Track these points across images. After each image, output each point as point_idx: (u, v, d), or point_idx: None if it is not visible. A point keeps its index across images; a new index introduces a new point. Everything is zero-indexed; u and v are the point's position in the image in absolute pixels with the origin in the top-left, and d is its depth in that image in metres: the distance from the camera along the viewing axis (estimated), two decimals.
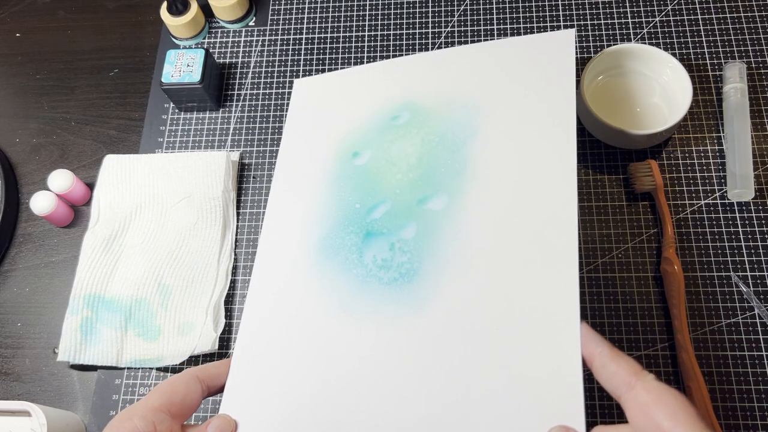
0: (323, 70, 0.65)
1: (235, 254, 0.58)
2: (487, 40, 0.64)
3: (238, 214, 0.59)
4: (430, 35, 0.65)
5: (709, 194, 0.55)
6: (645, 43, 0.58)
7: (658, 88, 0.58)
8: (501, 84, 0.52)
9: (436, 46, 0.65)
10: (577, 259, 0.41)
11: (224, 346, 0.54)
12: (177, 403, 0.42)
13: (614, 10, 0.64)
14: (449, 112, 0.53)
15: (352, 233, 0.50)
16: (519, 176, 0.46)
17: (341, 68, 0.65)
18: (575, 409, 0.37)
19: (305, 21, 0.68)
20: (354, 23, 0.67)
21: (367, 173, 0.53)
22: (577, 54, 0.62)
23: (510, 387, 0.39)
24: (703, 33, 0.62)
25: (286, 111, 0.61)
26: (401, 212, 0.49)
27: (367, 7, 0.68)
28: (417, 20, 0.66)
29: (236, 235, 0.59)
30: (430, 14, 0.66)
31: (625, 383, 0.35)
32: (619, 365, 0.36)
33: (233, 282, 0.57)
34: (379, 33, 0.66)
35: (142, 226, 0.58)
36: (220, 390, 0.46)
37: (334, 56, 0.65)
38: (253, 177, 0.61)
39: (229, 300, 0.56)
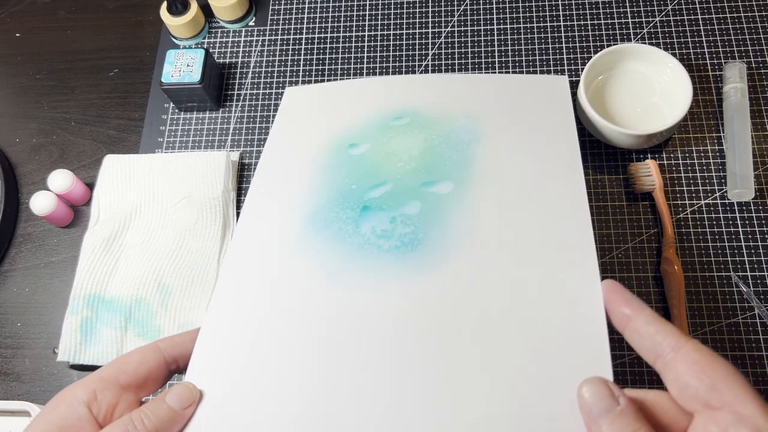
0: (323, 71, 0.65)
1: None
2: (487, 40, 0.64)
3: (238, 214, 0.59)
4: (430, 35, 0.65)
5: (709, 194, 0.55)
6: (645, 43, 0.58)
7: (658, 88, 0.58)
8: (500, 107, 0.52)
9: (436, 46, 0.65)
10: (592, 236, 0.40)
11: None
12: (128, 372, 0.38)
13: (614, 10, 0.64)
14: (452, 118, 0.52)
15: (348, 208, 0.46)
16: (527, 174, 0.45)
17: (341, 68, 0.65)
18: (602, 365, 0.35)
19: (305, 21, 0.68)
20: (354, 23, 0.67)
21: (365, 161, 0.50)
22: (577, 54, 0.62)
23: (527, 350, 0.37)
24: (703, 33, 0.62)
25: None
26: (403, 192, 0.46)
27: (367, 7, 0.68)
28: (417, 20, 0.66)
29: None
30: (430, 14, 0.66)
31: (672, 344, 0.32)
32: (665, 326, 0.33)
33: None
34: (379, 33, 0.66)
35: (142, 226, 0.58)
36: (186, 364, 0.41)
37: (334, 56, 0.65)
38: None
39: None
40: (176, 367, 0.41)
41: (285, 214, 0.47)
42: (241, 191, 0.60)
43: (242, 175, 0.61)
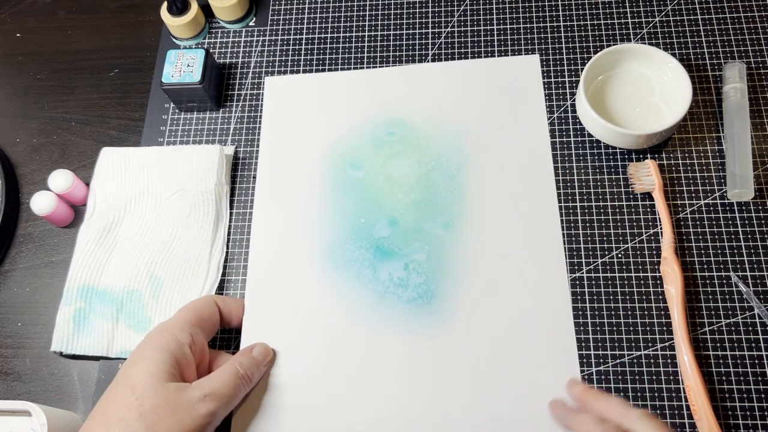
0: (323, 71, 0.65)
1: (229, 249, 0.58)
2: (487, 40, 0.64)
3: (234, 212, 0.59)
4: (430, 35, 0.65)
5: (709, 194, 0.55)
6: (645, 43, 0.58)
7: (658, 88, 0.58)
8: (479, 104, 0.59)
9: (436, 46, 0.65)
10: (564, 265, 0.52)
11: (213, 340, 0.54)
12: (205, 319, 0.47)
13: (614, 10, 0.64)
14: (440, 134, 0.58)
15: (362, 248, 0.54)
16: (508, 198, 0.54)
17: (341, 69, 0.65)
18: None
19: (305, 21, 0.68)
20: (354, 23, 0.67)
21: (367, 188, 0.57)
22: (577, 54, 0.62)
23: (523, 390, 0.47)
24: (703, 33, 0.62)
25: None
26: (409, 232, 0.54)
27: (367, 7, 0.68)
28: (417, 20, 0.66)
29: (231, 231, 0.59)
30: (430, 14, 0.66)
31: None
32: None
33: (227, 281, 0.57)
34: (379, 33, 0.66)
35: (136, 218, 0.59)
36: (230, 325, 0.51)
37: (334, 56, 0.66)
38: (253, 177, 0.61)
39: (219, 293, 0.56)
40: (222, 323, 0.50)
41: (302, 242, 0.55)
42: (240, 190, 0.60)
43: (242, 174, 0.61)
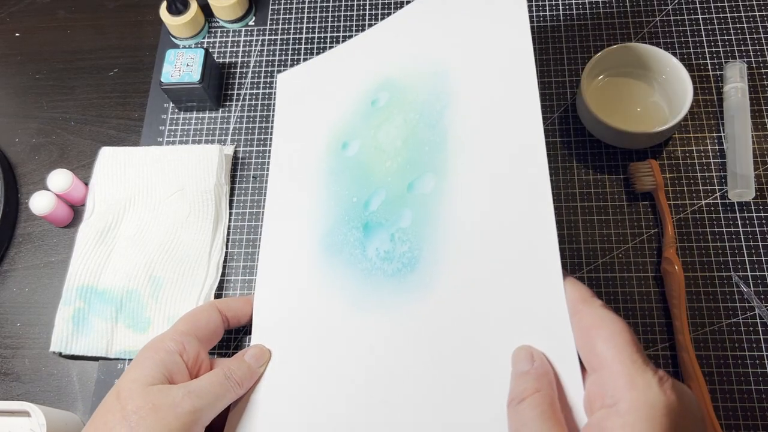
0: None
1: (228, 249, 0.58)
2: None
3: (234, 212, 0.59)
4: None
5: (710, 194, 0.55)
6: (645, 43, 0.58)
7: (658, 88, 0.58)
8: (462, 39, 0.51)
9: None
10: (553, 222, 0.39)
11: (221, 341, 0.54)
12: (201, 327, 0.46)
13: (614, 10, 0.64)
14: (422, 83, 0.52)
15: (353, 228, 0.50)
16: (492, 146, 0.45)
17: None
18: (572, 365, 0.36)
19: (305, 21, 0.68)
20: (354, 23, 0.67)
21: (359, 164, 0.53)
22: (577, 54, 0.62)
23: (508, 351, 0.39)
24: (703, 33, 0.62)
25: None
26: (395, 200, 0.49)
27: (367, 7, 0.68)
28: None
29: (231, 231, 0.58)
30: None
31: (572, 309, 0.35)
32: (568, 291, 0.36)
33: (227, 281, 0.57)
34: None
35: (135, 218, 0.58)
36: (240, 325, 0.51)
37: None
38: (253, 177, 0.61)
39: (219, 294, 0.56)
40: (228, 325, 0.49)
41: (302, 233, 0.53)
42: (241, 190, 0.60)
43: (242, 174, 0.61)
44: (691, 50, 0.61)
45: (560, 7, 0.65)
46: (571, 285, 0.36)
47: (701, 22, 0.62)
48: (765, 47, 0.60)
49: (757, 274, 0.52)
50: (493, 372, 0.39)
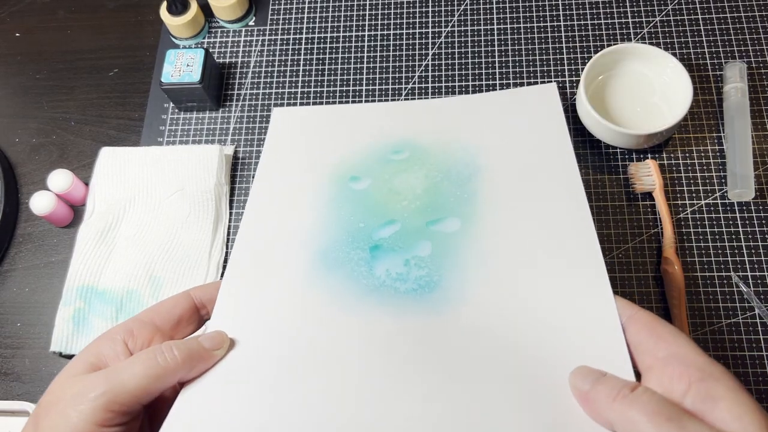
0: (323, 71, 0.65)
1: (228, 249, 0.57)
2: (487, 40, 0.64)
3: (233, 212, 0.59)
4: (430, 35, 0.65)
5: (710, 194, 0.55)
6: (645, 43, 0.58)
7: (658, 88, 0.58)
8: (495, 130, 0.52)
9: (436, 46, 0.64)
10: (603, 262, 0.40)
11: None
12: (162, 313, 0.42)
13: (614, 10, 0.64)
14: (450, 152, 0.51)
15: (358, 248, 0.46)
16: (529, 198, 0.46)
17: (341, 68, 0.65)
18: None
19: (305, 21, 0.68)
20: (354, 23, 0.67)
21: (368, 197, 0.50)
22: (577, 54, 0.62)
23: (546, 380, 0.37)
24: (703, 33, 0.62)
25: None
26: (412, 232, 0.46)
27: (367, 7, 0.68)
28: (417, 20, 0.66)
29: (231, 231, 0.58)
30: (430, 14, 0.66)
31: (626, 314, 0.37)
32: (620, 300, 0.38)
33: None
34: (379, 33, 0.66)
35: (136, 218, 0.59)
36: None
37: (334, 56, 0.65)
38: (253, 176, 0.61)
39: None
40: (206, 313, 0.45)
41: (290, 246, 0.47)
42: (238, 189, 0.60)
43: (241, 174, 0.61)
44: (691, 50, 0.61)
45: (560, 8, 0.65)
46: (619, 299, 0.39)
47: (701, 22, 0.62)
48: (765, 47, 0.60)
49: (757, 274, 0.52)
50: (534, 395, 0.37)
